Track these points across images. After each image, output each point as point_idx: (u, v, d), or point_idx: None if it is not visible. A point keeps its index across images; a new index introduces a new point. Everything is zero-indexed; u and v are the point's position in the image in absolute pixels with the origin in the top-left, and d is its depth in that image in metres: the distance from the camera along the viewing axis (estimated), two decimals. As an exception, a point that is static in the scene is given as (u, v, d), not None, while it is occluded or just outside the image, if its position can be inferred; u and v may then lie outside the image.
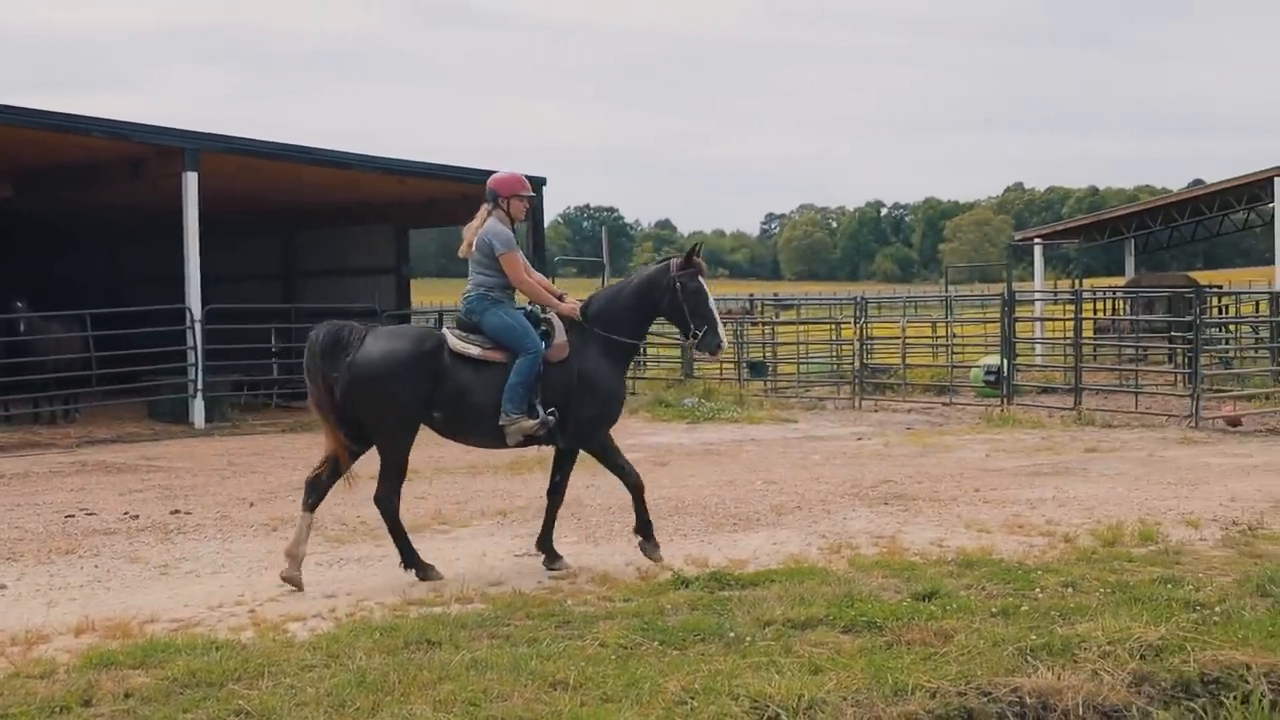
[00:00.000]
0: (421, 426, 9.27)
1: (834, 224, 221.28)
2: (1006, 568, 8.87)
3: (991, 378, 22.92)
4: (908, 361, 25.31)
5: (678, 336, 10.02)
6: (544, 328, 9.27)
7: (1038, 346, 29.00)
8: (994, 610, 7.66)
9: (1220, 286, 38.63)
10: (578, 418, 9.23)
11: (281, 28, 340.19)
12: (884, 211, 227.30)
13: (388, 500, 9.10)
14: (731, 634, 7.20)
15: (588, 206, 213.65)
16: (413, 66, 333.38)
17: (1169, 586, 8.19)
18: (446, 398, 9.03)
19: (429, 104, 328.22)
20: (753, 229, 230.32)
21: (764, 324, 31.45)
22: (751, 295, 46.65)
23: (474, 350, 9.10)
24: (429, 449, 17.03)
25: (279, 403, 24.21)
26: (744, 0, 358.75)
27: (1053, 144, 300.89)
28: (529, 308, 9.45)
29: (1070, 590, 8.17)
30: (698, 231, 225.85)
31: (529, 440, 9.23)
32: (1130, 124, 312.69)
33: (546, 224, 28.55)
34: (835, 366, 27.87)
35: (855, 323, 25.11)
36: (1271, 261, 32.93)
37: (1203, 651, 6.90)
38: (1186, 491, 12.53)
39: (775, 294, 66.49)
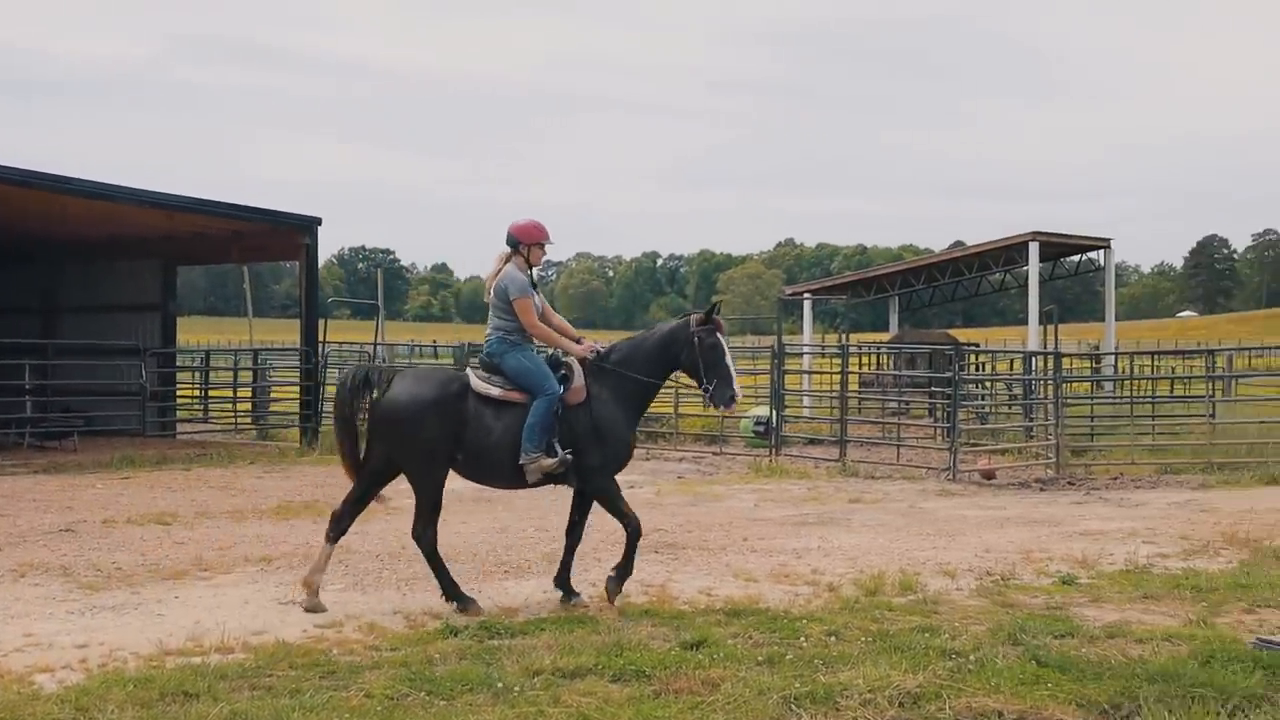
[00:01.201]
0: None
1: (610, 273, 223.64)
2: (773, 616, 9.03)
3: (761, 428, 23.34)
4: (680, 411, 25.60)
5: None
6: (563, 371, 9.55)
7: (805, 399, 29.66)
8: (760, 659, 7.79)
9: (978, 345, 40.16)
10: (587, 460, 9.46)
11: (42, 52, 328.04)
12: (660, 262, 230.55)
13: (423, 534, 9.46)
14: (500, 684, 7.16)
15: (363, 248, 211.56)
16: (186, 99, 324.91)
17: (927, 635, 8.44)
18: (470, 439, 9.34)
19: (203, 138, 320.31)
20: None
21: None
22: (527, 342, 46.65)
23: (495, 391, 9.42)
24: (191, 492, 16.59)
25: (32, 442, 23.14)
26: (530, 48, 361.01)
27: (823, 202, 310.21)
28: (550, 352, 9.78)
29: (833, 639, 8.35)
30: (474, 276, 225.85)
31: (548, 479, 9.48)
32: (897, 185, 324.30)
33: (320, 265, 28.03)
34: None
35: (629, 371, 25.24)
36: (1025, 321, 34.38)
37: (958, 699, 7.10)
38: (944, 542, 12.94)
39: (551, 341, 66.48)
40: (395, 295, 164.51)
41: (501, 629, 8.56)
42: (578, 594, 9.74)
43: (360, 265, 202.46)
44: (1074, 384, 26.88)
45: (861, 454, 21.80)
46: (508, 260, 9.80)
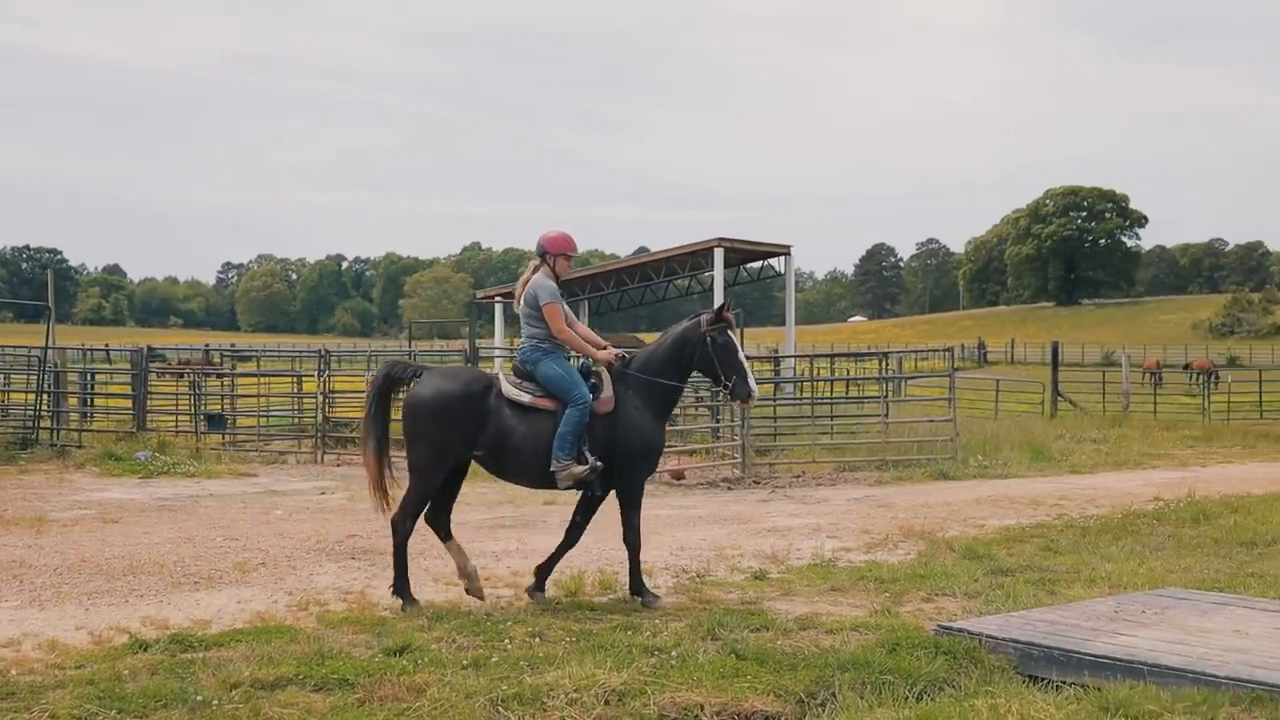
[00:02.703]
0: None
1: (294, 276, 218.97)
2: (476, 620, 9.00)
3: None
4: (371, 415, 25.12)
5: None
6: (594, 380, 9.74)
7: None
8: (465, 662, 7.75)
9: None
10: (620, 465, 9.63)
11: None
12: (345, 265, 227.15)
13: (401, 524, 9.65)
14: (197, 698, 6.89)
15: (27, 247, 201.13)
16: None
17: (629, 633, 8.57)
18: (491, 438, 9.52)
19: None
20: (209, 278, 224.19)
21: (222, 375, 30.52)
22: (207, 345, 45.21)
23: (524, 397, 9.60)
24: None
25: None
26: (205, 41, 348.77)
27: (510, 206, 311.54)
28: (583, 360, 9.93)
29: (538, 640, 8.38)
30: (149, 278, 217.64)
31: (578, 484, 9.67)
32: (582, 191, 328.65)
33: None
34: (297, 420, 27.37)
35: (318, 376, 24.79)
36: (710, 326, 35.26)
37: (662, 694, 7.22)
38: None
39: (233, 345, 64.76)
40: (64, 297, 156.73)
41: (195, 641, 8.22)
42: (542, 592, 10.03)
43: (24, 265, 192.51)
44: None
45: (555, 456, 21.90)
46: (536, 269, 9.99)
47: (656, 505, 16.52)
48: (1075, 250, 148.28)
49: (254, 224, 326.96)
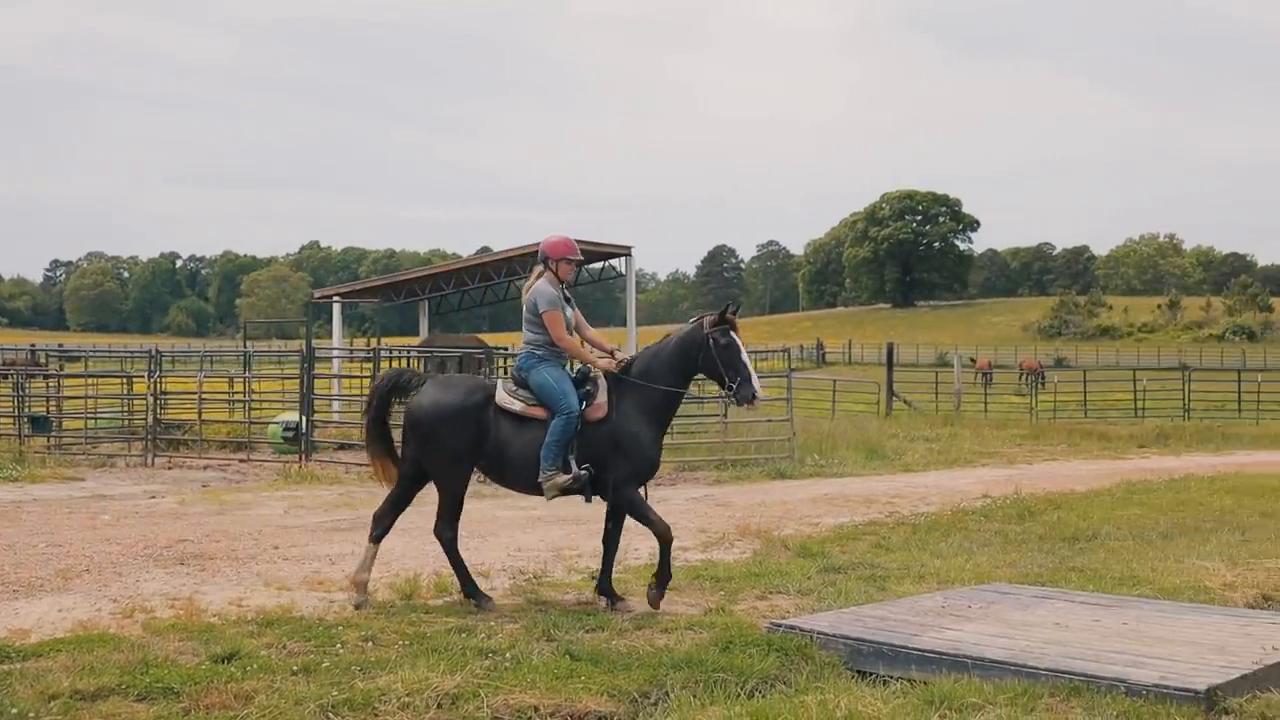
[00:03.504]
0: None
1: (126, 274, 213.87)
2: (307, 625, 8.85)
3: (290, 434, 22.86)
4: (204, 417, 24.68)
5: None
6: (588, 388, 9.60)
7: (336, 403, 29.25)
8: (295, 668, 7.62)
9: (506, 348, 40.85)
10: (609, 474, 9.52)
11: None
12: (179, 263, 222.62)
13: (443, 533, 9.73)
14: (13, 711, 6.67)
15: None
16: None
17: (464, 635, 8.53)
18: (491, 447, 9.57)
19: None
20: (36, 275, 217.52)
21: (48, 376, 29.61)
22: (33, 345, 43.84)
23: (516, 405, 9.59)
24: None
25: None
26: (25, 30, 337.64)
27: (349, 205, 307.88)
28: (581, 367, 9.79)
29: (370, 644, 8.28)
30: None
31: (565, 493, 9.57)
32: (427, 190, 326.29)
33: None
34: (126, 422, 26.67)
35: (149, 376, 24.20)
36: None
37: (496, 696, 7.19)
38: (477, 543, 13.06)
39: (60, 345, 62.98)
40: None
41: (13, 652, 7.94)
42: (621, 598, 9.89)
43: None
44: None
45: (393, 458, 21.69)
46: (539, 276, 9.94)
47: (495, 505, 16.46)
48: (911, 253, 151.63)
49: (84, 221, 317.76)
